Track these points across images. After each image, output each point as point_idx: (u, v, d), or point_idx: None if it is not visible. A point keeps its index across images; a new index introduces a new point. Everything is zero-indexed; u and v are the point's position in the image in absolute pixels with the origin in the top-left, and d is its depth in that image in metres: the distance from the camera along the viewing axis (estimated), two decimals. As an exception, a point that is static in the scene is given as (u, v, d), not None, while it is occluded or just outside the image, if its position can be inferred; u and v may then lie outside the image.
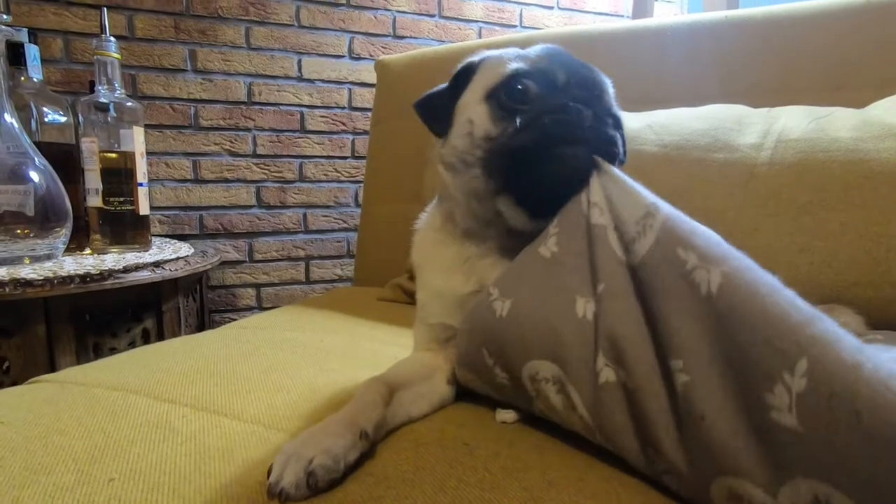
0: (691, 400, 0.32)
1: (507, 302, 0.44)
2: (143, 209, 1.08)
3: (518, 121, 0.46)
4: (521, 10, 1.78)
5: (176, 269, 1.01)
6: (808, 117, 0.79)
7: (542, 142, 0.45)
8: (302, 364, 0.61)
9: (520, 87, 0.47)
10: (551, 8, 1.81)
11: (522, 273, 0.45)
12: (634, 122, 0.89)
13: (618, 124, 0.49)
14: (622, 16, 1.89)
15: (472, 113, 0.49)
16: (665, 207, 0.38)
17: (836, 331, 0.28)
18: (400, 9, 1.66)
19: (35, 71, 1.04)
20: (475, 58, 0.53)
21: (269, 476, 0.35)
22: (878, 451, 0.24)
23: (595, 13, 1.86)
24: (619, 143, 0.48)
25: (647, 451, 0.35)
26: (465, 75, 0.53)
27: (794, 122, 0.79)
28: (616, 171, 0.43)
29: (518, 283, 0.45)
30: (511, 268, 0.47)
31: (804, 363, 0.27)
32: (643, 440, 0.35)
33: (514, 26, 1.78)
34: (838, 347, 0.27)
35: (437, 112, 0.53)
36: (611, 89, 0.51)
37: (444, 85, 0.54)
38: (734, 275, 0.32)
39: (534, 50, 0.50)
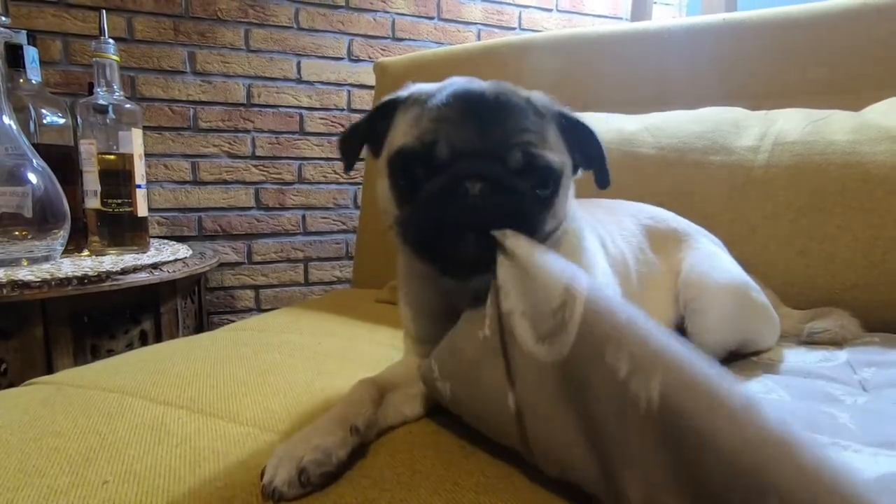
0: None
1: (447, 384, 0.43)
2: (142, 211, 1.08)
3: (408, 209, 0.43)
4: (520, 13, 1.79)
5: (174, 271, 1.01)
6: (805, 120, 0.79)
7: (429, 237, 0.43)
8: (299, 367, 0.61)
9: (406, 168, 0.43)
10: (550, 10, 1.82)
11: (459, 354, 0.42)
12: (632, 125, 0.89)
13: (533, 164, 0.42)
14: (621, 18, 1.89)
15: (380, 180, 0.47)
16: (583, 288, 0.33)
17: (799, 443, 0.25)
18: (399, 11, 1.66)
19: (34, 73, 1.04)
20: (403, 93, 0.48)
21: (262, 478, 0.35)
22: None
23: (594, 15, 1.87)
24: (537, 196, 0.43)
25: None
26: (387, 113, 0.48)
27: (791, 124, 0.79)
28: (522, 247, 0.38)
29: (456, 364, 0.42)
30: (450, 342, 0.44)
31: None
32: None
33: (513, 28, 1.79)
34: (807, 472, 0.24)
35: (352, 152, 0.50)
36: (529, 108, 0.44)
37: (360, 122, 0.50)
38: (673, 385, 0.27)
39: (439, 97, 0.44)
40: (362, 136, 0.50)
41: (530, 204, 0.43)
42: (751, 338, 0.62)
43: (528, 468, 0.38)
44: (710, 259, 0.64)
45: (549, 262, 0.36)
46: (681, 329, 0.62)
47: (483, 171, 0.41)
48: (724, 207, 0.77)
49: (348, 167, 0.50)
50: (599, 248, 0.58)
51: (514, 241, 0.38)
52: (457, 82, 0.46)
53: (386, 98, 0.49)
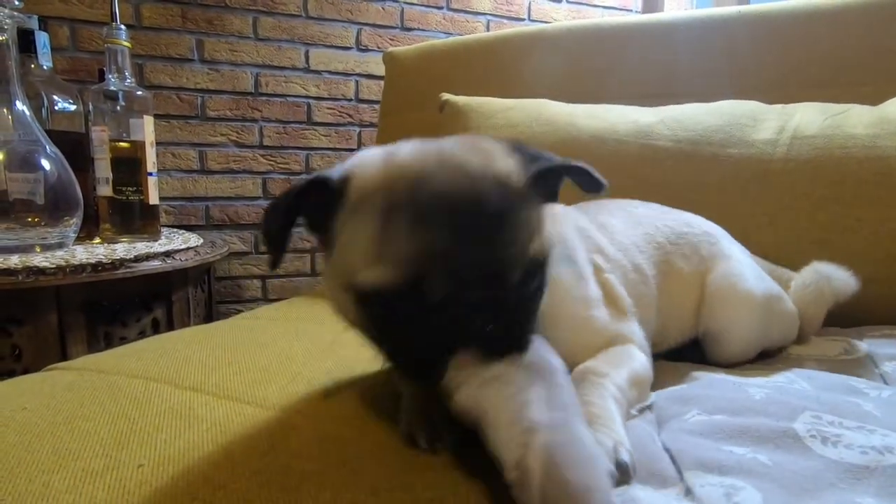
0: None
1: None
2: (153, 199, 1.08)
3: (396, 342, 0.39)
4: (530, 4, 1.77)
5: (186, 259, 1.01)
6: (824, 114, 0.79)
7: (427, 369, 0.37)
8: (318, 354, 0.61)
9: (388, 307, 0.36)
10: (560, 1, 1.80)
11: None
12: (648, 117, 0.89)
13: (532, 271, 0.37)
14: (631, 10, 1.88)
15: (335, 289, 0.40)
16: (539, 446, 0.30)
17: None
18: (408, 0, 1.65)
19: (45, 59, 1.03)
20: (334, 174, 0.38)
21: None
22: None
23: (604, 7, 1.85)
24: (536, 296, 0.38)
25: None
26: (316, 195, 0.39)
27: (809, 118, 0.79)
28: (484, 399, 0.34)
29: None
30: None
31: None
32: None
33: (523, 20, 1.77)
34: None
35: (279, 240, 0.40)
36: (511, 195, 0.36)
37: (281, 199, 0.40)
38: None
39: (412, 208, 0.34)
40: (287, 220, 0.39)
41: (532, 311, 0.38)
42: (773, 344, 0.62)
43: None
44: (739, 268, 0.61)
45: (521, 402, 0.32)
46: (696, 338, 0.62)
47: (489, 302, 0.34)
48: (742, 200, 0.77)
49: (274, 262, 0.40)
50: (588, 277, 0.51)
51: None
52: (424, 173, 0.36)
53: (312, 178, 0.38)
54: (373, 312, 0.38)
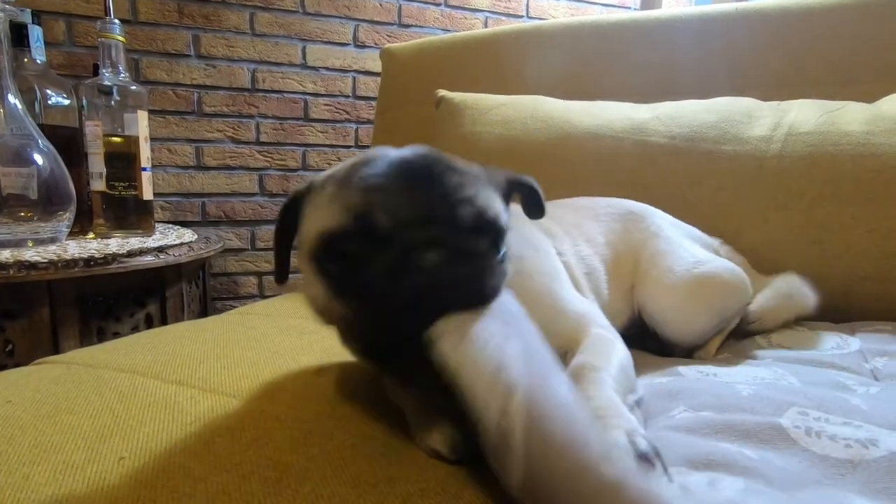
0: None
1: None
2: (147, 194, 1.08)
3: (351, 303, 0.37)
4: (528, 1, 1.77)
5: (180, 255, 1.01)
6: (819, 111, 0.78)
7: (385, 336, 0.36)
8: (308, 349, 0.60)
9: (337, 253, 0.37)
10: (558, -2, 1.80)
11: None
12: (643, 113, 0.89)
13: (483, 219, 0.37)
14: (629, 7, 1.88)
15: (307, 276, 0.41)
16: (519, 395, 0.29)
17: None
18: (405, -3, 1.64)
19: (39, 53, 1.03)
20: (300, 186, 0.43)
21: None
22: None
23: (602, 4, 1.85)
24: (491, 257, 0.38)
25: None
26: (293, 210, 0.43)
27: (804, 115, 0.79)
28: (452, 357, 0.32)
29: None
30: None
31: None
32: None
33: (521, 17, 1.77)
34: None
35: (282, 260, 0.48)
36: (458, 165, 0.39)
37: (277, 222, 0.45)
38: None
39: (364, 170, 0.38)
40: (283, 240, 0.45)
41: (492, 266, 0.37)
42: (726, 316, 0.62)
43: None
44: (665, 246, 0.63)
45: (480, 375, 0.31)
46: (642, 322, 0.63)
47: (437, 236, 0.34)
48: (736, 197, 0.76)
49: (278, 278, 0.48)
50: (552, 255, 0.55)
51: (449, 348, 0.32)
52: (380, 153, 0.39)
53: (291, 193, 0.43)
54: (330, 271, 0.38)
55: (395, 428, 0.42)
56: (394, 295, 0.35)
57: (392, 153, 0.39)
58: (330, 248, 0.37)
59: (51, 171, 0.93)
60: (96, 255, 0.87)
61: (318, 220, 0.38)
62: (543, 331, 0.36)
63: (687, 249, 0.64)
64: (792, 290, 0.66)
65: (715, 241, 0.71)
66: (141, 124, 1.05)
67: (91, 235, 1.06)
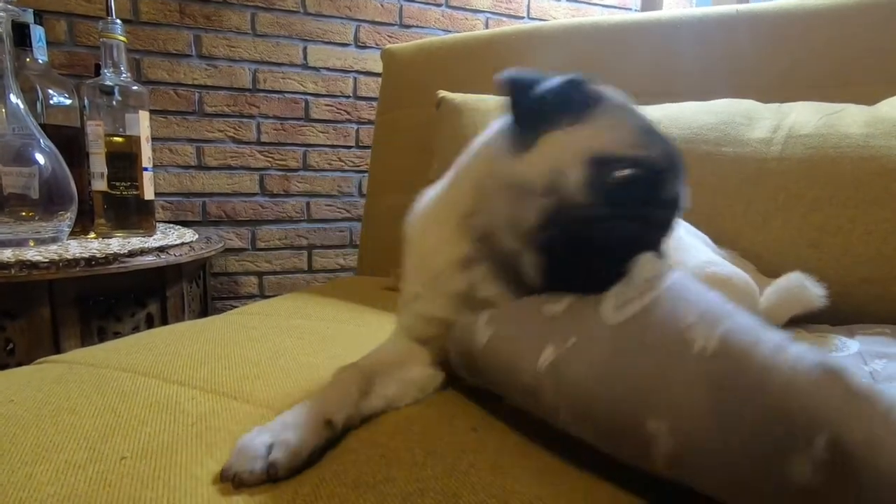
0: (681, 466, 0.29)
1: (489, 330, 0.43)
2: (148, 194, 1.08)
3: (604, 211, 0.41)
4: (529, 1, 1.77)
5: (180, 255, 1.01)
6: (819, 113, 0.78)
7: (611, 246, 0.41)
8: (309, 350, 0.61)
9: (630, 173, 0.41)
10: (559, -1, 1.80)
11: (516, 312, 0.44)
12: (643, 115, 0.89)
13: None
14: (630, 8, 1.88)
15: (566, 167, 0.42)
16: (674, 276, 0.36)
17: (852, 380, 0.25)
18: (407, -3, 1.65)
19: (40, 52, 1.03)
20: (592, 85, 0.45)
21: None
22: None
23: (603, 5, 1.85)
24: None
25: None
26: (565, 95, 0.44)
27: (804, 117, 0.79)
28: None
29: (507, 319, 0.43)
30: (510, 304, 0.45)
31: (822, 439, 0.24)
32: None
33: (522, 18, 1.77)
34: (858, 418, 0.24)
35: (531, 110, 0.45)
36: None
37: (554, 80, 0.45)
38: (735, 332, 0.30)
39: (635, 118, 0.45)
40: (544, 105, 0.45)
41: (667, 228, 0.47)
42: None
43: (542, 449, 0.38)
44: (678, 244, 0.62)
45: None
46: None
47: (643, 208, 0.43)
48: (736, 199, 0.76)
49: (528, 133, 0.45)
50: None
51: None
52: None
53: (569, 78, 0.44)
54: (609, 178, 0.41)
55: (395, 428, 0.42)
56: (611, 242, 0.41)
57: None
58: (605, 167, 0.41)
59: (52, 170, 0.93)
60: (97, 255, 0.87)
61: (617, 135, 0.43)
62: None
63: (699, 250, 0.64)
64: (793, 284, 0.65)
65: (723, 252, 0.71)
66: (142, 124, 1.05)
67: (92, 235, 1.06)
